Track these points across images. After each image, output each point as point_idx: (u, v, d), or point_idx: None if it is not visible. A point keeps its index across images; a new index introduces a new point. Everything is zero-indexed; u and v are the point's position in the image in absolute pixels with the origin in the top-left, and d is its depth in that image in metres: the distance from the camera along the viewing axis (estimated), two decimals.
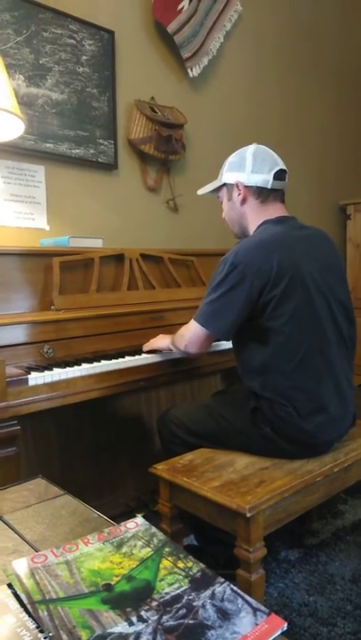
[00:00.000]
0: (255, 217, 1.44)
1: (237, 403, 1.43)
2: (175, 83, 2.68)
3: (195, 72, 2.71)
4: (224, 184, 1.49)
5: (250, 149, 1.43)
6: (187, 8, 2.58)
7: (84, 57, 2.22)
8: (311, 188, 3.65)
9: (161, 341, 1.63)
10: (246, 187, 1.43)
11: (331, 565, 1.55)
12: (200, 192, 1.60)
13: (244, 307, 1.29)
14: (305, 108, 3.56)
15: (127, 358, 1.59)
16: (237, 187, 1.44)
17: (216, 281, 1.33)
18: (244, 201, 1.44)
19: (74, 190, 2.26)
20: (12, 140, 1.86)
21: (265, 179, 1.40)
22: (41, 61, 2.07)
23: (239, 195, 1.44)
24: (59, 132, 2.14)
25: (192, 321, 1.40)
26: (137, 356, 1.61)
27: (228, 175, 1.46)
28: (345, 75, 3.88)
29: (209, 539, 1.49)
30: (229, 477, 1.27)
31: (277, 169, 1.41)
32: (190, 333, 1.41)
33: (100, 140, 2.29)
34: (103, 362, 1.52)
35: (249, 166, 1.41)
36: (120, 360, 1.56)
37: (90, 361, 1.51)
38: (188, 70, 2.68)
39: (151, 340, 1.67)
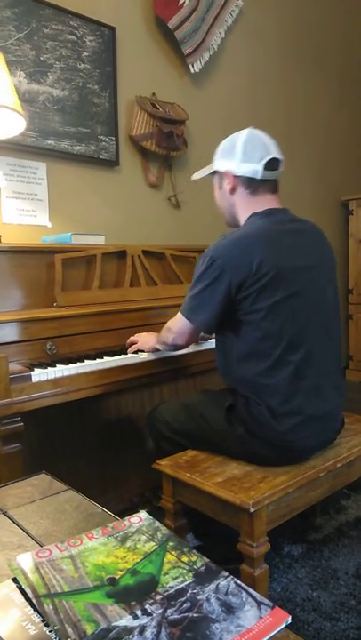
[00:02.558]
0: (244, 208, 1.39)
1: (216, 401, 1.41)
2: (176, 78, 2.68)
3: (196, 68, 2.70)
4: (216, 171, 1.44)
5: (241, 136, 1.36)
6: (188, 3, 2.57)
7: (85, 53, 2.21)
8: (314, 184, 3.64)
9: (146, 342, 1.60)
10: (235, 176, 1.37)
11: (334, 560, 1.55)
12: (194, 177, 1.54)
13: (223, 301, 1.28)
14: (308, 104, 3.55)
15: (130, 355, 1.59)
16: (227, 175, 1.39)
17: (197, 275, 1.32)
18: (233, 190, 1.39)
19: (76, 187, 2.26)
20: (13, 137, 1.86)
21: (254, 169, 1.33)
22: (42, 58, 2.07)
23: (229, 184, 1.39)
24: (60, 129, 2.14)
25: (179, 313, 1.40)
26: (139, 353, 1.61)
27: (219, 162, 1.41)
28: (349, 69, 3.86)
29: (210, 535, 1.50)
30: (232, 473, 1.27)
31: (269, 158, 1.33)
32: (178, 326, 1.42)
33: (102, 137, 2.29)
34: (106, 358, 1.52)
35: (239, 155, 1.34)
36: (123, 357, 1.56)
37: (93, 357, 1.51)
38: (190, 66, 2.67)
39: (137, 342, 1.63)
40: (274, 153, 1.35)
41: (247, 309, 1.26)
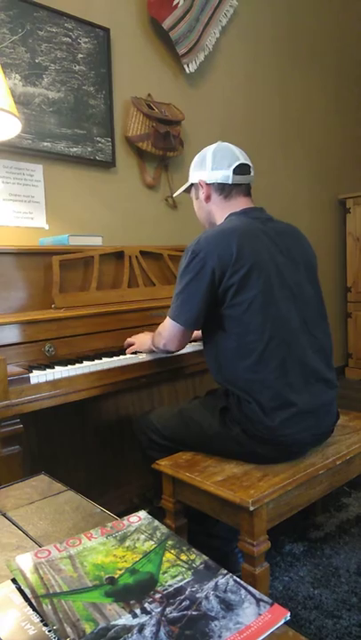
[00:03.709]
0: (221, 212, 1.46)
1: (208, 405, 1.42)
2: (172, 79, 2.68)
3: (191, 68, 2.70)
4: (192, 184, 1.52)
5: (211, 148, 1.46)
6: (182, 4, 2.57)
7: (80, 55, 2.22)
8: (311, 182, 3.64)
9: (143, 343, 1.61)
10: (208, 184, 1.45)
11: (335, 558, 1.56)
12: (175, 194, 1.70)
13: (207, 294, 1.29)
14: (304, 102, 3.55)
15: (128, 355, 1.59)
16: (201, 185, 1.46)
17: (181, 269, 1.34)
18: (208, 198, 1.46)
19: (72, 189, 2.26)
20: (9, 140, 1.86)
21: (225, 174, 1.42)
22: (37, 60, 2.07)
23: (203, 193, 1.46)
24: (56, 131, 2.14)
25: (167, 317, 1.40)
26: (138, 354, 1.61)
27: (193, 175, 1.50)
28: (345, 67, 3.87)
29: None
30: (232, 471, 1.27)
31: (237, 164, 1.41)
32: (167, 331, 1.42)
33: (98, 138, 2.29)
34: (104, 359, 1.52)
35: (209, 164, 1.44)
36: (121, 357, 1.56)
37: (91, 358, 1.51)
38: (185, 66, 2.68)
39: (135, 343, 1.64)
40: (242, 159, 1.43)
41: (229, 302, 1.28)
